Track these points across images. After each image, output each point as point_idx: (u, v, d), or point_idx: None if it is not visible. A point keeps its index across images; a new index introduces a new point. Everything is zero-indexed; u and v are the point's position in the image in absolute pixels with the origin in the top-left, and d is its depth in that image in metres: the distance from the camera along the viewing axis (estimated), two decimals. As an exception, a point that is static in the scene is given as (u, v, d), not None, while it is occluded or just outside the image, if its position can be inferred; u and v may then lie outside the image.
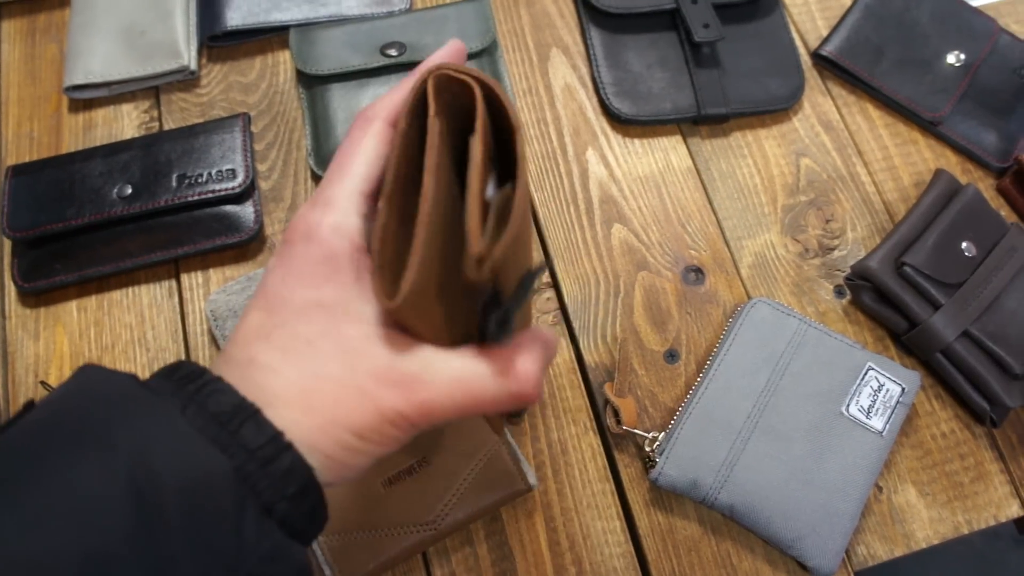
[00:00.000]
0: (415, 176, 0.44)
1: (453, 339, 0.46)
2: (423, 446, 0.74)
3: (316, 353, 0.43)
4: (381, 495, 0.72)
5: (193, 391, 0.40)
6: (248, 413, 0.40)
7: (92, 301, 0.83)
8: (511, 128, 0.45)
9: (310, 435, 0.41)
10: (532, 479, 0.74)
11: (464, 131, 0.46)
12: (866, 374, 0.77)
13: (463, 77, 0.46)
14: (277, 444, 0.40)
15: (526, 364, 0.45)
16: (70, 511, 0.35)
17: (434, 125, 0.45)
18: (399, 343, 0.44)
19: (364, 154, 0.47)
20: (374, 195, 0.47)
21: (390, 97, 0.49)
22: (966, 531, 0.77)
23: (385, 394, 0.42)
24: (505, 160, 0.47)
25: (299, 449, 0.40)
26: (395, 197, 0.44)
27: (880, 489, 0.78)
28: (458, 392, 0.44)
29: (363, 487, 0.72)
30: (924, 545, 0.77)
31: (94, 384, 0.41)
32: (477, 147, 0.43)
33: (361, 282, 0.45)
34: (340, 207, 0.46)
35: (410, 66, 0.90)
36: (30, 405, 0.41)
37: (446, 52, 0.51)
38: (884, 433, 0.75)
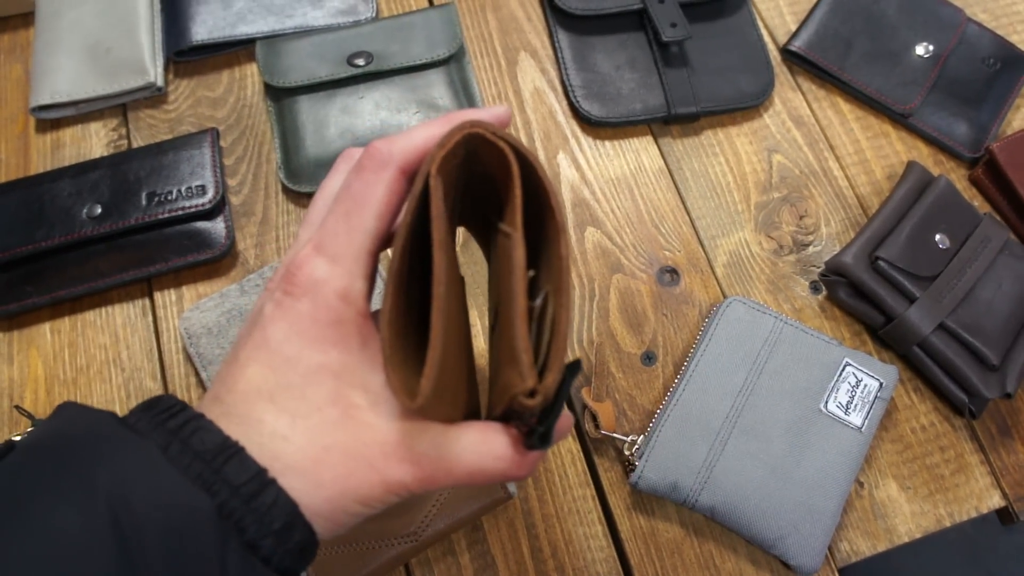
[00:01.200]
0: (417, 244, 0.42)
1: (462, 414, 0.45)
2: None
3: (325, 421, 0.42)
4: None
5: (175, 428, 0.40)
6: (233, 451, 0.39)
7: (66, 323, 0.83)
8: (546, 209, 0.40)
9: (320, 506, 0.41)
10: (512, 487, 0.73)
11: (473, 197, 0.43)
12: (843, 370, 0.77)
13: (500, 144, 0.40)
14: (261, 480, 0.39)
15: (535, 454, 0.45)
16: (50, 555, 0.35)
17: (437, 187, 0.39)
18: (408, 418, 0.43)
19: (375, 207, 0.44)
20: (376, 253, 0.45)
21: (408, 139, 0.45)
22: (948, 524, 0.78)
23: (394, 469, 0.42)
24: (532, 244, 0.42)
25: (306, 516, 0.40)
26: (401, 274, 0.41)
27: (861, 484, 0.78)
28: (464, 472, 0.44)
29: None
30: (907, 539, 0.77)
31: (73, 423, 0.41)
32: (519, 249, 0.38)
33: (366, 349, 0.43)
34: (347, 268, 0.44)
35: (378, 75, 0.89)
36: (9, 447, 0.40)
37: (490, 113, 0.47)
38: (863, 429, 0.75)
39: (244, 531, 0.39)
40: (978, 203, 0.91)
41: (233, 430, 0.41)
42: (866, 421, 0.75)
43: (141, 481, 0.37)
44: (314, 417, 0.42)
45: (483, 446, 0.44)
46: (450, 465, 0.43)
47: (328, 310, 0.43)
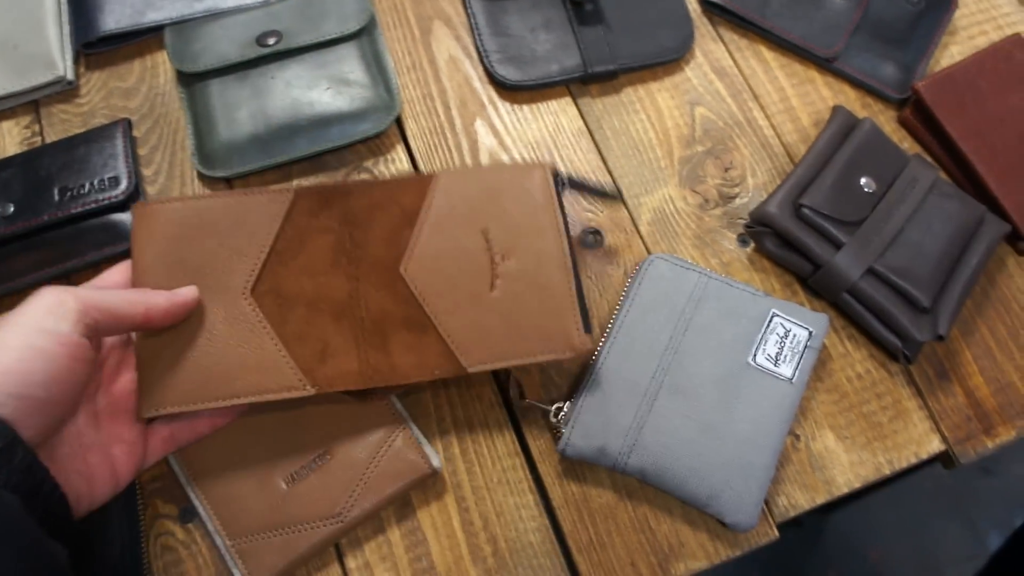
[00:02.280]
0: None
1: None
2: (323, 438, 0.73)
3: None
4: (284, 493, 0.71)
5: None
6: None
7: (-15, 324, 0.82)
8: None
9: None
10: (436, 462, 0.72)
11: None
12: (771, 321, 0.76)
13: None
14: None
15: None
16: None
17: None
18: None
19: None
20: None
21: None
22: (888, 472, 0.76)
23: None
24: None
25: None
26: None
27: (798, 437, 0.77)
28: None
29: (265, 487, 0.71)
30: (846, 490, 0.76)
31: None
32: None
33: None
34: None
35: (288, 54, 0.88)
36: None
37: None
38: (794, 380, 0.74)
39: None
40: (908, 145, 0.90)
41: None
42: (796, 372, 0.74)
43: None
44: None
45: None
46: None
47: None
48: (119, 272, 0.68)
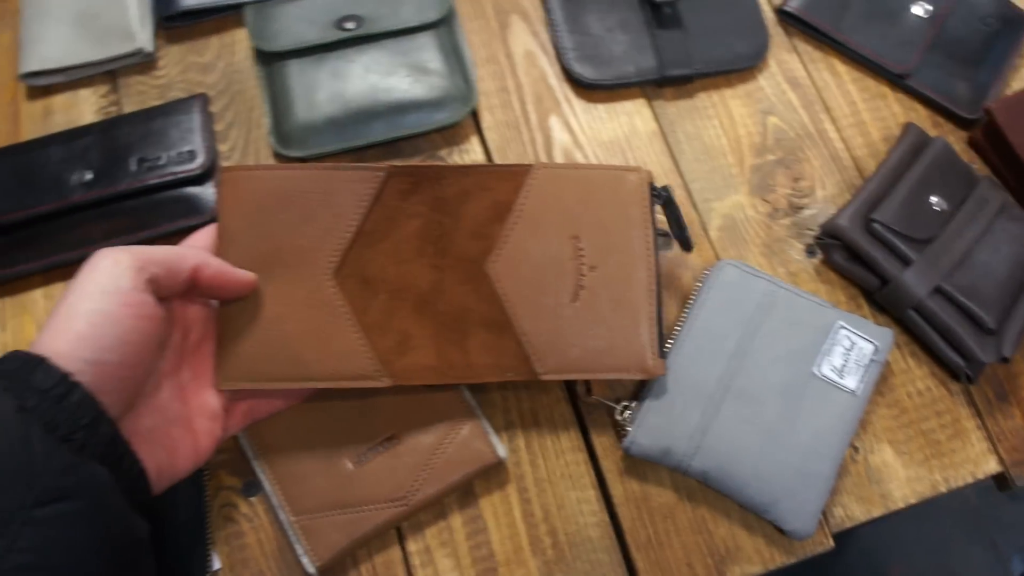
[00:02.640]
0: None
1: None
2: (391, 422, 0.73)
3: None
4: (351, 473, 0.72)
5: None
6: (36, 363, 0.50)
7: (58, 288, 0.82)
8: None
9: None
10: (502, 452, 0.73)
11: None
12: (837, 333, 0.76)
13: None
14: (66, 383, 0.50)
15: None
16: None
17: None
18: None
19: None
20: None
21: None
22: (944, 489, 0.77)
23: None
24: None
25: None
26: None
27: (856, 449, 0.77)
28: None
29: (331, 466, 0.72)
30: (902, 505, 0.76)
31: None
32: None
33: None
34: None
35: (368, 39, 0.88)
36: None
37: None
38: (858, 392, 0.74)
39: (58, 427, 0.49)
40: (976, 165, 0.90)
41: (38, 348, 0.52)
42: (860, 384, 0.75)
43: None
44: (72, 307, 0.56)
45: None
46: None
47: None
48: (205, 235, 0.68)
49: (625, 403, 0.75)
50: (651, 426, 0.73)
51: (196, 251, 0.63)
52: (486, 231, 0.72)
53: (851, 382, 0.74)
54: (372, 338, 0.68)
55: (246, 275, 0.66)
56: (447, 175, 0.72)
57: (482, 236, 0.72)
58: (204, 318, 0.68)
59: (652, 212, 0.74)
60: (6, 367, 0.50)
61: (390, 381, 0.68)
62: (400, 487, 0.71)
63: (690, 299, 0.79)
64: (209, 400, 0.66)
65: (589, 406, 0.78)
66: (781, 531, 0.73)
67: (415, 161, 0.87)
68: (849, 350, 0.76)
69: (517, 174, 0.73)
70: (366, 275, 0.69)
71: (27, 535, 0.45)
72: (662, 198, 0.76)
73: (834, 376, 0.75)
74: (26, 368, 0.50)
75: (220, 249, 0.67)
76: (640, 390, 0.76)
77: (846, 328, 0.76)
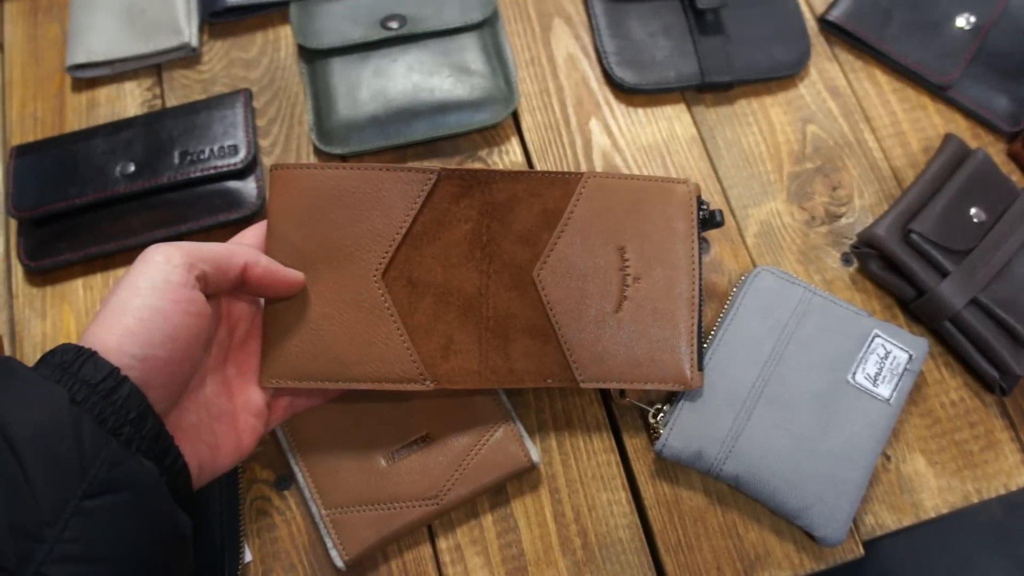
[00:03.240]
0: None
1: None
2: (427, 422, 0.74)
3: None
4: (384, 470, 0.72)
5: (46, 355, 0.52)
6: (86, 356, 0.51)
7: (98, 279, 0.84)
8: None
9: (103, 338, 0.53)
10: (536, 456, 0.74)
11: None
12: (872, 341, 0.76)
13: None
14: (115, 377, 0.51)
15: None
16: None
17: None
18: None
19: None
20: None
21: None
22: (976, 500, 0.77)
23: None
24: None
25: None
26: None
27: (888, 458, 0.77)
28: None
29: (366, 462, 0.73)
30: (933, 514, 0.76)
31: None
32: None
33: None
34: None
35: (411, 38, 0.89)
36: None
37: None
38: (891, 401, 0.74)
39: (106, 420, 0.50)
40: (1016, 178, 0.90)
41: (87, 340, 0.53)
42: (894, 393, 0.74)
43: (15, 389, 0.49)
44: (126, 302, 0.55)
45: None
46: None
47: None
48: (254, 233, 0.69)
49: (658, 406, 0.75)
50: (684, 429, 0.73)
51: (246, 249, 0.63)
52: (534, 238, 0.72)
53: (885, 391, 0.74)
54: (417, 341, 0.68)
55: (295, 275, 0.66)
56: (498, 180, 0.72)
57: (530, 243, 0.72)
58: (250, 315, 0.68)
59: (698, 225, 0.74)
60: (58, 359, 0.51)
61: (433, 385, 0.68)
62: (432, 486, 0.72)
63: (726, 304, 0.79)
64: (253, 397, 0.66)
65: (622, 408, 0.78)
66: (812, 537, 0.73)
67: (455, 161, 0.87)
68: (884, 359, 0.76)
69: (569, 182, 0.73)
70: (413, 277, 0.70)
71: (76, 525, 0.46)
72: (707, 213, 0.76)
73: (868, 384, 0.75)
74: (77, 361, 0.50)
75: (269, 247, 0.68)
76: (674, 394, 0.76)
77: (881, 337, 0.76)
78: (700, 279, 0.73)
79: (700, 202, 0.75)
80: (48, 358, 0.51)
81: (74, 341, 0.52)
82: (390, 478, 0.72)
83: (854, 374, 0.75)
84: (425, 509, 0.71)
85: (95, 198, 0.82)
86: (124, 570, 0.48)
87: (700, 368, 0.72)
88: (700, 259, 0.73)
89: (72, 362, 0.50)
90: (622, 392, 0.76)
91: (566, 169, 0.86)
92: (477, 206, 0.71)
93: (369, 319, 0.68)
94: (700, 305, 0.73)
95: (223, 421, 0.63)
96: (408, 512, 0.71)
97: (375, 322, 0.68)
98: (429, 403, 0.75)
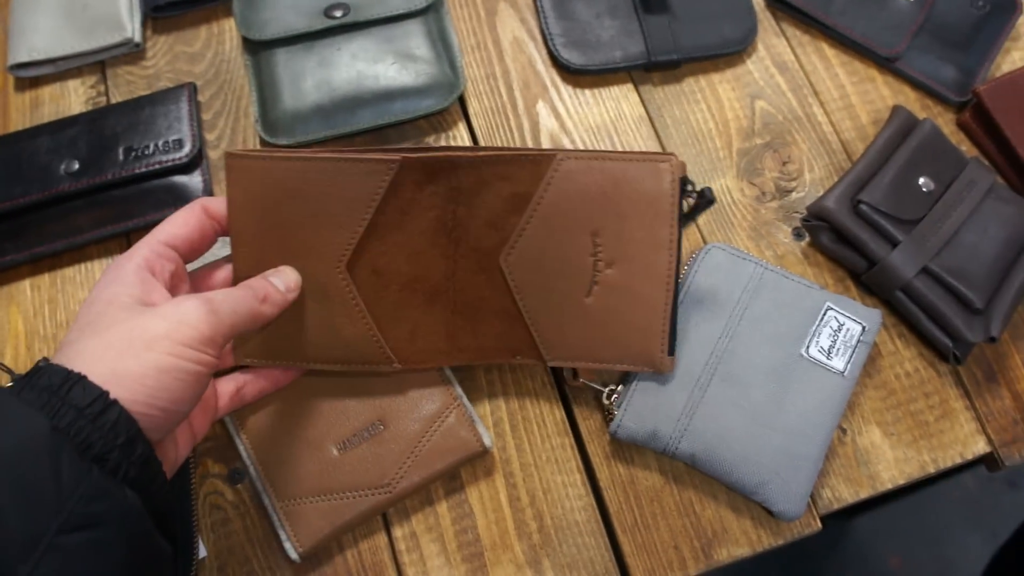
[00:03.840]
0: None
1: None
2: (377, 409, 0.74)
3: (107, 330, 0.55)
4: (336, 460, 0.72)
5: (29, 375, 0.51)
6: (75, 380, 0.49)
7: (45, 279, 0.83)
8: None
9: (132, 387, 0.51)
10: (488, 441, 0.73)
11: None
12: (825, 314, 0.76)
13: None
14: (104, 401, 0.49)
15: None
16: None
17: None
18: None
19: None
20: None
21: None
22: (932, 470, 0.77)
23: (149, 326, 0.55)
24: None
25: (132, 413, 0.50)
26: None
27: (844, 431, 0.77)
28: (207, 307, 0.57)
29: (317, 452, 0.72)
30: (890, 486, 0.76)
31: None
32: None
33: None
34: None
35: (355, 27, 0.89)
36: None
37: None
38: (846, 373, 0.74)
39: (92, 446, 0.48)
40: (965, 148, 0.90)
41: (76, 364, 0.51)
42: (848, 365, 0.74)
43: None
44: (115, 327, 0.54)
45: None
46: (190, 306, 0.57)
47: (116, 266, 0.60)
48: (219, 202, 0.68)
49: (612, 387, 0.75)
50: (638, 409, 0.73)
51: (259, 294, 0.63)
52: (502, 222, 0.70)
53: (839, 363, 0.74)
54: (384, 328, 0.69)
55: (296, 281, 0.67)
56: (462, 164, 0.69)
57: (498, 227, 0.70)
58: None
59: (680, 205, 0.71)
60: (45, 382, 0.50)
61: (400, 366, 0.69)
62: (384, 474, 0.71)
63: (678, 282, 0.79)
64: None
65: (575, 390, 0.78)
66: (770, 512, 0.72)
67: (402, 148, 0.87)
68: (837, 331, 0.75)
69: (539, 163, 0.69)
70: (378, 267, 0.69)
71: (49, 562, 0.44)
72: (693, 194, 0.75)
73: (822, 357, 0.74)
74: (65, 384, 0.49)
75: (235, 250, 0.67)
76: (628, 374, 0.76)
77: (834, 309, 0.76)
78: (678, 262, 0.72)
79: (685, 182, 0.72)
80: (33, 380, 0.50)
81: (25, 344, 0.52)
82: (342, 467, 0.72)
83: (808, 348, 0.75)
84: (378, 498, 0.71)
85: (40, 197, 0.81)
86: None
87: (671, 352, 0.71)
88: (680, 241, 0.71)
89: (60, 385, 0.49)
90: (575, 374, 0.75)
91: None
92: (442, 192, 0.69)
93: (336, 309, 0.68)
94: (677, 288, 0.72)
95: None
96: (361, 501, 0.71)
97: (341, 311, 0.68)
98: (379, 390, 0.74)
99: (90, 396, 0.49)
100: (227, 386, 0.69)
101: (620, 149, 0.88)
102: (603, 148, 0.88)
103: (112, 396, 0.50)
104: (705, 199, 0.75)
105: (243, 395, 0.70)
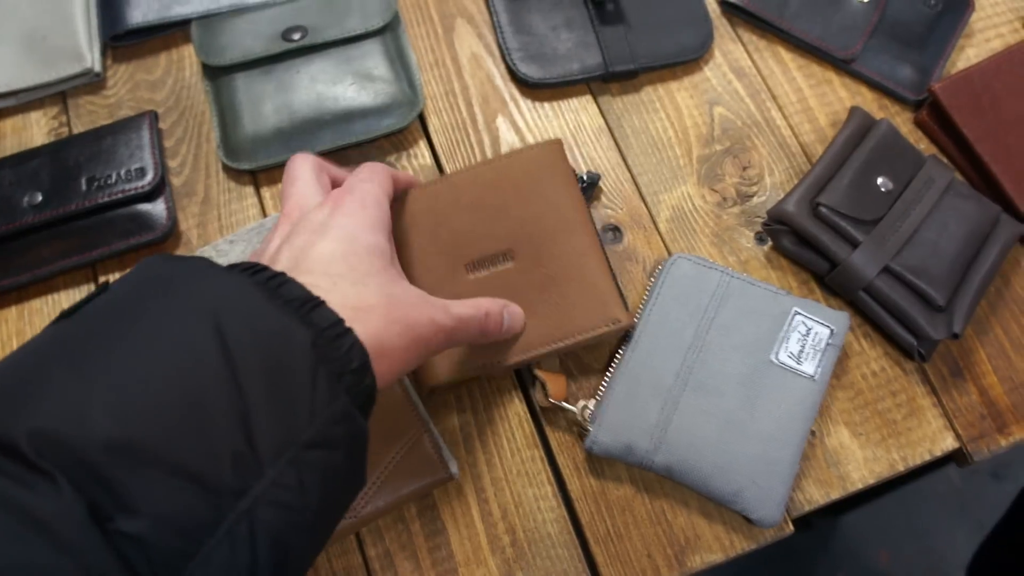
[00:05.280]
0: None
1: None
2: None
3: (386, 280, 0.57)
4: None
5: (263, 280, 0.49)
6: (316, 302, 0.49)
7: (12, 312, 0.83)
8: None
9: (393, 340, 0.53)
10: (454, 468, 0.73)
11: None
12: (793, 319, 0.76)
13: None
14: (341, 327, 0.49)
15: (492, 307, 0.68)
16: (166, 353, 0.42)
17: None
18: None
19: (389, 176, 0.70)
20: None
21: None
22: (902, 468, 0.77)
23: (434, 311, 0.58)
24: None
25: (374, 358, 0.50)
26: None
27: (813, 434, 0.78)
28: (468, 316, 0.63)
29: None
30: (860, 486, 0.76)
31: (171, 259, 0.49)
32: None
33: (391, 242, 0.64)
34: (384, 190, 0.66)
35: (313, 49, 0.89)
36: (104, 286, 0.47)
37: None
38: (816, 377, 0.74)
39: (331, 364, 0.47)
40: (924, 146, 0.91)
41: (314, 286, 0.50)
42: (818, 369, 0.75)
43: (242, 307, 0.45)
44: (379, 276, 0.56)
45: (470, 303, 0.65)
46: (460, 309, 0.62)
47: (377, 209, 0.62)
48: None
49: (584, 403, 0.75)
50: (612, 424, 0.73)
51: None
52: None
53: (809, 367, 0.75)
54: None
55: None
56: None
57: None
58: None
59: (573, 174, 0.78)
60: (288, 293, 0.49)
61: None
62: None
63: (644, 295, 0.79)
64: None
65: (546, 410, 0.78)
66: (749, 520, 0.73)
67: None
68: (805, 336, 0.76)
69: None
70: None
71: (291, 473, 0.43)
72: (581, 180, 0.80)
73: (792, 363, 0.75)
74: (307, 304, 0.49)
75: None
76: (597, 386, 0.76)
77: (801, 314, 0.77)
78: (593, 222, 0.77)
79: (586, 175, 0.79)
80: (272, 286, 0.49)
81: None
82: None
83: (777, 353, 0.75)
84: (343, 522, 0.71)
85: (3, 230, 0.81)
86: (318, 523, 0.46)
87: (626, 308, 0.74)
88: (588, 203, 0.77)
89: (303, 303, 0.48)
90: (545, 393, 0.75)
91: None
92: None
93: None
94: (603, 246, 0.76)
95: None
96: None
97: None
98: None
99: (329, 320, 0.48)
100: None
101: (581, 161, 0.88)
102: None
103: (349, 327, 0.49)
104: (590, 181, 0.81)
105: None
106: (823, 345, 0.76)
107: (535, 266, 0.74)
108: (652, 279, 0.80)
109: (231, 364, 0.43)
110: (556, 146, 0.78)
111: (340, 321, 0.49)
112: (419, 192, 0.77)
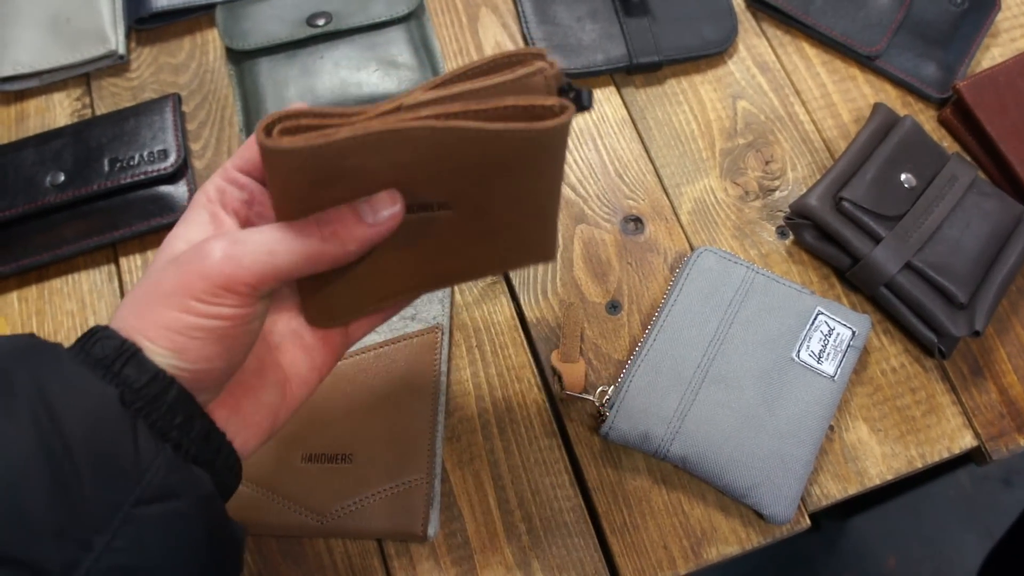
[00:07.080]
0: None
1: None
2: (354, 444, 0.74)
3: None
4: (296, 468, 0.73)
5: (83, 339, 0.46)
6: (129, 354, 0.45)
7: (32, 291, 0.83)
8: None
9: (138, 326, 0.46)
10: (432, 531, 0.72)
11: None
12: (816, 319, 0.76)
13: None
14: (160, 381, 0.45)
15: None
16: None
17: None
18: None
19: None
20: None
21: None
22: (920, 465, 0.77)
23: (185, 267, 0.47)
24: None
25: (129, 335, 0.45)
26: None
27: (832, 428, 0.77)
28: (261, 247, 0.47)
29: (284, 454, 0.73)
30: (878, 482, 0.76)
31: None
32: None
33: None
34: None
35: (338, 35, 0.89)
36: None
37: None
38: (836, 377, 0.74)
39: (152, 424, 0.44)
40: (947, 143, 0.90)
41: (117, 322, 0.46)
42: (839, 370, 0.75)
43: (54, 379, 0.43)
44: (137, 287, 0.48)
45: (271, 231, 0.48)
46: (243, 248, 0.47)
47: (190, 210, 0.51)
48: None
49: (602, 388, 0.75)
50: (629, 411, 0.73)
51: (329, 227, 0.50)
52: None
53: (829, 367, 0.75)
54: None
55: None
56: None
57: None
58: None
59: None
60: (98, 352, 0.45)
61: None
62: (324, 506, 0.72)
63: (667, 286, 0.79)
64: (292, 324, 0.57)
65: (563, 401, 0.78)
66: (760, 516, 0.72)
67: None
68: (828, 336, 0.76)
69: None
70: None
71: (127, 534, 0.42)
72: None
73: (812, 361, 0.75)
74: (119, 360, 0.44)
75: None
76: (617, 376, 0.76)
77: (825, 314, 0.77)
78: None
79: (569, 89, 0.55)
80: (87, 347, 0.45)
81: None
82: (296, 477, 0.72)
83: (798, 352, 0.75)
84: (306, 521, 0.71)
85: (25, 210, 0.81)
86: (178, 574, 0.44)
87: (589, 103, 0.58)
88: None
89: (114, 360, 0.44)
90: (561, 384, 0.75)
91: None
92: None
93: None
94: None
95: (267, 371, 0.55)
96: (290, 515, 0.72)
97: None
98: (365, 427, 0.74)
99: (146, 375, 0.44)
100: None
101: (604, 152, 0.88)
102: (588, 152, 0.88)
103: (152, 358, 0.45)
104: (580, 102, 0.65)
105: (351, 333, 0.59)
106: (844, 346, 0.76)
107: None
108: (676, 270, 0.80)
109: (48, 442, 0.41)
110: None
111: (159, 373, 0.45)
112: None
